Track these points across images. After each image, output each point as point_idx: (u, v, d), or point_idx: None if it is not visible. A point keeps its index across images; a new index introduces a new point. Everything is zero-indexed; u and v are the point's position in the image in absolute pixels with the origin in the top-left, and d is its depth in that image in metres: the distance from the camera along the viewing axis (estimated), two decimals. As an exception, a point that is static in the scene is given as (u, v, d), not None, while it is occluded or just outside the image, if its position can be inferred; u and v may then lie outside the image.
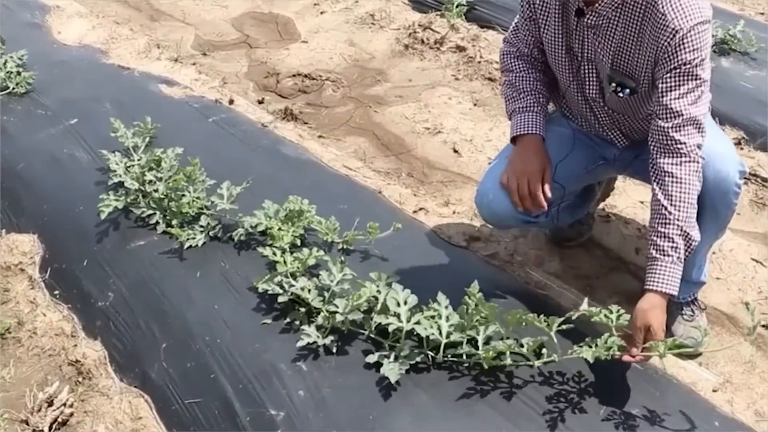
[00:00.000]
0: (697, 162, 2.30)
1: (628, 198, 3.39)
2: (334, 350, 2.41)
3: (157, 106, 3.82)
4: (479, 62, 4.60)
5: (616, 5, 2.29)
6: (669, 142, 2.29)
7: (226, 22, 5.51)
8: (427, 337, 2.30)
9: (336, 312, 2.41)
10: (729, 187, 2.39)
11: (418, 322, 2.31)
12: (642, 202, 3.35)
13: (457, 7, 5.13)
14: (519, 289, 2.73)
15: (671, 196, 2.28)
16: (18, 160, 3.52)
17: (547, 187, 2.44)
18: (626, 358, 2.18)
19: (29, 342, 2.78)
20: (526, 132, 2.52)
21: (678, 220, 2.26)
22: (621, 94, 2.43)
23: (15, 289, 2.99)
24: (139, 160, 3.19)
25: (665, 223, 2.28)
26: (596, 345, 2.16)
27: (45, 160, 3.50)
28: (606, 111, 2.57)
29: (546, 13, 2.48)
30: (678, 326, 2.68)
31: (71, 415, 2.51)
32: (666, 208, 2.27)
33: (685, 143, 2.27)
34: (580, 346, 2.19)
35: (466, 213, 3.25)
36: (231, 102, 4.04)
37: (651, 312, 2.22)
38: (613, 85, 2.43)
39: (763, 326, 2.78)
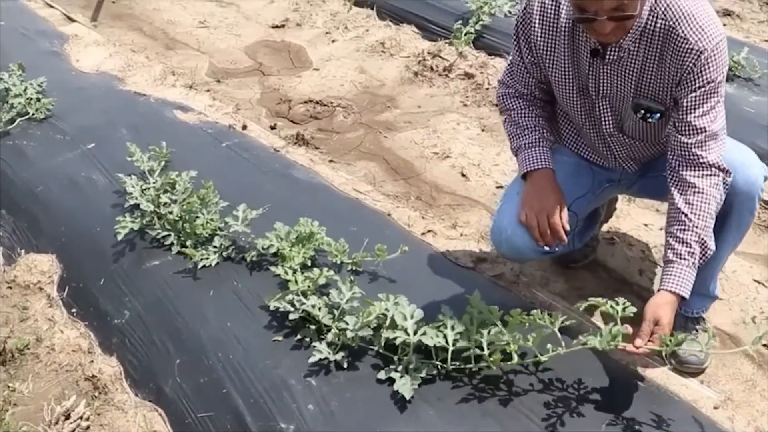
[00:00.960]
0: (718, 176, 2.38)
1: (632, 220, 3.46)
2: (345, 366, 2.47)
3: (172, 131, 3.91)
4: (487, 89, 4.67)
5: (636, 37, 2.34)
6: (692, 158, 2.37)
7: (240, 50, 5.60)
8: (435, 347, 2.38)
9: (346, 329, 2.47)
10: (756, 191, 2.48)
11: (424, 333, 2.38)
12: (646, 225, 3.41)
13: (465, 35, 5.20)
14: (525, 309, 2.78)
15: (692, 204, 2.35)
16: (37, 183, 3.60)
17: (565, 220, 2.49)
18: (630, 348, 2.23)
19: (47, 358, 2.84)
20: (537, 167, 2.57)
21: (697, 227, 2.34)
22: (650, 120, 2.48)
23: (34, 307, 3.05)
24: (154, 183, 3.27)
25: (684, 230, 2.35)
26: (601, 335, 2.22)
27: (63, 183, 3.58)
28: (623, 142, 2.63)
29: (553, 57, 2.52)
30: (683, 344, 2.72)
31: (87, 428, 2.57)
32: (687, 215, 2.35)
33: (707, 158, 2.36)
34: (586, 336, 2.25)
35: (473, 235, 3.32)
36: (244, 127, 4.12)
37: (663, 307, 2.29)
38: (642, 112, 2.48)
39: (764, 345, 2.83)
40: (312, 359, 2.48)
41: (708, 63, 2.28)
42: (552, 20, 2.48)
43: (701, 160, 2.36)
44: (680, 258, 2.34)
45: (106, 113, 4.16)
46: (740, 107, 4.02)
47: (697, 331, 2.74)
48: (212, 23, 6.03)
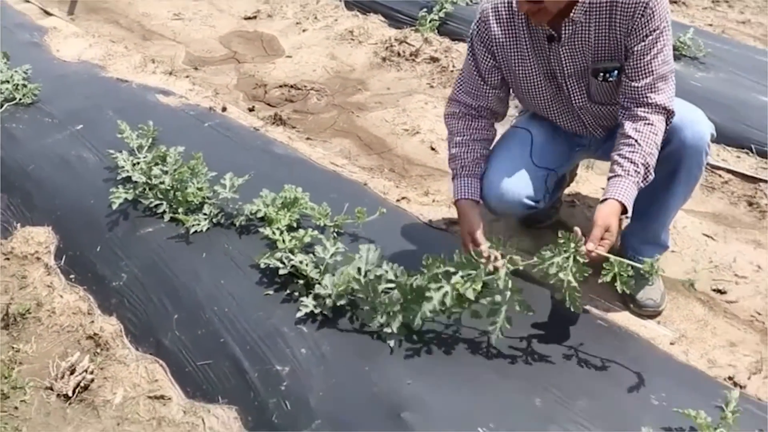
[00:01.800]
0: (664, 116, 2.61)
1: (591, 185, 3.71)
2: (331, 316, 2.69)
3: (156, 113, 4.06)
4: (452, 71, 4.89)
5: (585, 9, 2.56)
6: (643, 99, 2.60)
7: (215, 40, 5.76)
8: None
9: (326, 295, 2.69)
10: (703, 146, 2.69)
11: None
12: (603, 189, 3.64)
13: (430, 22, 5.42)
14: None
15: (641, 132, 2.57)
16: (28, 162, 3.73)
17: (479, 243, 2.70)
18: (584, 249, 2.42)
19: (49, 321, 2.98)
20: (462, 197, 2.79)
21: (644, 151, 2.55)
22: (611, 78, 2.69)
23: (32, 275, 3.19)
24: (144, 157, 3.44)
25: (632, 151, 2.55)
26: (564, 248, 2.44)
27: (54, 161, 3.72)
28: (592, 111, 2.83)
29: (516, 53, 2.73)
30: (640, 289, 2.94)
31: (92, 380, 2.71)
32: (636, 140, 2.56)
33: (656, 99, 2.58)
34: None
35: (444, 201, 3.54)
36: (224, 109, 4.31)
37: (612, 215, 2.50)
38: (602, 75, 2.69)
39: (714, 290, 3.10)
40: (299, 314, 2.68)
41: (654, 12, 2.51)
42: (507, 20, 2.70)
43: (651, 101, 2.59)
44: (627, 174, 2.55)
45: (90, 98, 4.31)
46: (687, 82, 4.32)
47: (651, 275, 2.98)
48: (186, 15, 6.17)
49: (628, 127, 2.60)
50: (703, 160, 2.74)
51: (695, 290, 2.63)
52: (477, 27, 2.77)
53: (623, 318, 2.83)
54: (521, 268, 2.50)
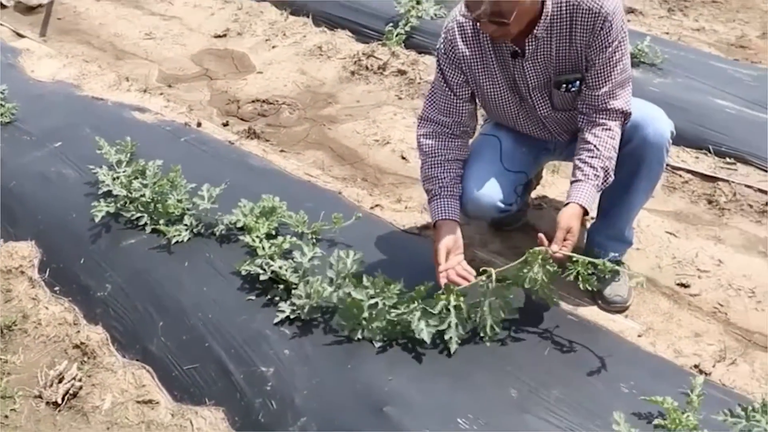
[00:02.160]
0: (622, 119, 2.76)
1: (557, 188, 3.83)
2: (308, 320, 2.79)
3: (132, 130, 4.09)
4: (419, 83, 5.00)
5: (546, 25, 2.68)
6: (602, 105, 2.74)
7: (186, 58, 5.83)
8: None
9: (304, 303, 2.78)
10: (664, 143, 2.81)
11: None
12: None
13: (396, 36, 5.52)
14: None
15: (599, 137, 2.71)
16: (9, 180, 3.79)
17: (456, 264, 2.78)
18: (547, 248, 2.57)
19: (35, 332, 3.05)
20: (441, 218, 2.85)
21: (603, 155, 2.70)
22: (573, 89, 2.81)
23: (17, 289, 3.25)
24: (123, 172, 3.51)
25: (592, 156, 2.70)
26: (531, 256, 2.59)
27: (34, 178, 3.78)
28: (556, 119, 2.95)
29: (483, 68, 2.84)
30: (607, 285, 3.06)
31: (81, 388, 2.78)
32: (595, 145, 2.70)
33: (614, 105, 2.73)
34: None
35: (416, 208, 3.67)
36: (199, 125, 4.40)
37: (574, 218, 2.64)
38: (564, 86, 2.81)
39: (679, 284, 3.23)
40: (276, 319, 2.78)
41: (612, 25, 2.64)
42: (473, 36, 2.81)
43: (609, 107, 2.73)
44: (587, 178, 2.70)
45: (67, 116, 4.37)
46: (646, 88, 4.47)
47: (619, 273, 3.12)
48: (158, 35, 6.24)
49: (588, 133, 2.75)
50: (664, 156, 2.86)
51: (644, 288, 2.77)
52: (443, 44, 2.87)
53: (592, 313, 2.97)
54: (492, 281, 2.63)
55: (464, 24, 2.81)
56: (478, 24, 2.65)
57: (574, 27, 2.68)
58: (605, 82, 2.73)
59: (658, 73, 4.76)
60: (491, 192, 2.90)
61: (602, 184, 2.73)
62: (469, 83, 2.90)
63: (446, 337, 2.61)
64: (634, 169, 2.85)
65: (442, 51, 2.88)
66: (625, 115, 2.77)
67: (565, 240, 2.61)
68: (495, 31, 2.61)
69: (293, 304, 2.79)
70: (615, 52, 2.70)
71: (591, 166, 2.71)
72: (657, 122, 2.82)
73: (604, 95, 2.74)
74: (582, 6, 2.64)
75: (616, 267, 2.62)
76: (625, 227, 3.09)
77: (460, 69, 2.87)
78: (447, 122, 2.92)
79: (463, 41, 2.82)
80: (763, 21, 6.10)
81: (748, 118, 4.31)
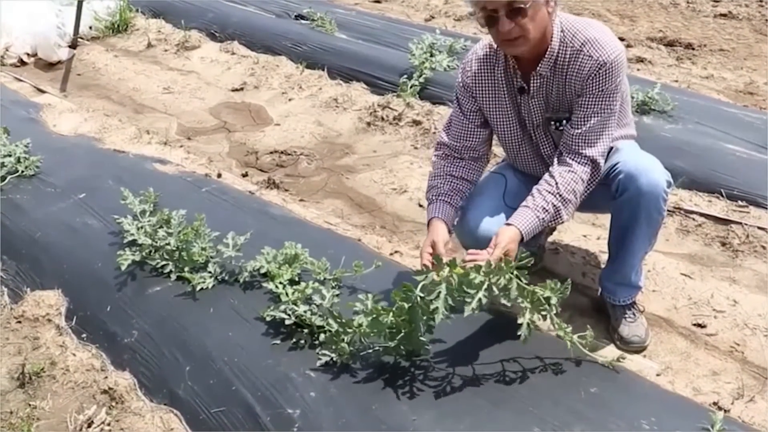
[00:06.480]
0: (591, 168, 2.83)
1: (572, 233, 3.91)
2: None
3: (155, 180, 4.21)
4: (434, 133, 5.09)
5: (550, 65, 2.80)
6: (576, 147, 2.82)
7: (205, 111, 5.96)
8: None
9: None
10: (660, 193, 2.86)
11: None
12: (585, 236, 3.86)
13: (411, 87, 5.65)
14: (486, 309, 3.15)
15: (564, 177, 2.80)
16: (34, 230, 3.87)
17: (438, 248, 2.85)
18: (476, 256, 2.67)
19: (63, 378, 3.08)
20: (433, 216, 2.97)
21: (560, 195, 2.78)
22: (561, 127, 2.91)
23: (44, 336, 3.29)
24: (148, 221, 3.59)
25: (549, 191, 2.79)
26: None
27: (60, 228, 3.86)
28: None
29: (495, 101, 2.97)
30: (624, 327, 3.13)
31: None
32: (557, 183, 2.79)
33: (586, 152, 2.81)
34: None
35: (435, 254, 3.73)
36: (219, 175, 4.50)
37: (513, 242, 2.72)
38: (554, 124, 2.92)
39: (695, 324, 3.28)
40: (319, 362, 2.83)
41: (610, 73, 2.74)
42: (489, 71, 2.95)
43: (582, 151, 2.82)
44: (536, 208, 2.78)
45: (90, 168, 4.47)
46: (658, 134, 4.58)
47: (634, 315, 3.17)
48: (176, 89, 6.38)
49: (556, 169, 2.84)
50: (662, 204, 2.91)
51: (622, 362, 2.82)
52: (461, 74, 3.02)
53: (610, 353, 2.99)
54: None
55: (481, 56, 2.95)
56: (496, 28, 2.68)
57: (573, 70, 2.78)
58: (583, 124, 2.81)
59: (668, 119, 4.86)
60: (488, 225, 2.98)
61: (551, 219, 2.82)
62: (482, 112, 3.02)
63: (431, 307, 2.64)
64: (632, 216, 2.92)
65: (460, 82, 3.03)
66: (594, 165, 2.85)
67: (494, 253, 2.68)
68: (513, 31, 2.65)
69: (335, 349, 2.84)
70: (602, 99, 2.78)
71: (545, 200, 2.79)
72: (651, 173, 2.87)
73: (580, 137, 2.82)
74: (584, 51, 2.75)
75: (530, 264, 2.65)
76: (631, 273, 3.13)
77: (474, 97, 3.00)
78: (457, 147, 3.06)
79: (479, 72, 2.96)
80: (770, 68, 6.22)
81: (759, 162, 4.40)
